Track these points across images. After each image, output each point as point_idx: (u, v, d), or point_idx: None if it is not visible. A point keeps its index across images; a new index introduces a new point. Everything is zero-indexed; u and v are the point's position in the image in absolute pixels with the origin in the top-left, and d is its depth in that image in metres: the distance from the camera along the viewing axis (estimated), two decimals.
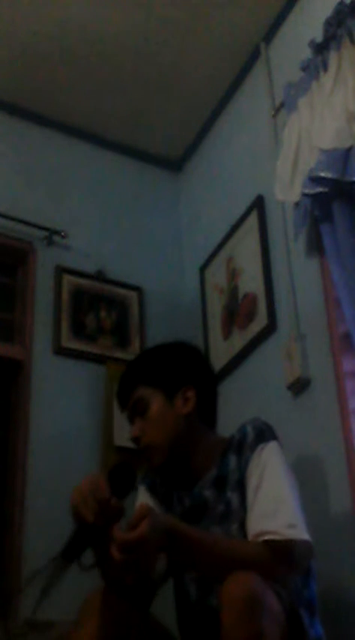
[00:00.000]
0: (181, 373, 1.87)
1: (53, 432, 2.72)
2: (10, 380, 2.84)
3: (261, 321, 2.70)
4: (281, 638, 1.41)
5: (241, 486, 1.69)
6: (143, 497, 1.88)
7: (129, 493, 1.61)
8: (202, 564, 1.55)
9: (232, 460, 1.73)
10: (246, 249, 2.89)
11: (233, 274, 2.94)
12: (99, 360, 2.92)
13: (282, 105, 2.68)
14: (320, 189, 2.27)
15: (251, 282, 2.81)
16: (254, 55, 3.05)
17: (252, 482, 1.67)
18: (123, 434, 2.44)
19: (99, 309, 3.05)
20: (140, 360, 1.96)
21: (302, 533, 1.58)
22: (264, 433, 1.73)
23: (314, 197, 2.30)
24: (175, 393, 1.83)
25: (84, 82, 3.17)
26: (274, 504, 1.61)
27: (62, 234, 3.06)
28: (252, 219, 2.87)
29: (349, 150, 2.19)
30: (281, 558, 1.54)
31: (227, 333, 2.90)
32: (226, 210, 3.08)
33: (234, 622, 1.37)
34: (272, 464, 1.68)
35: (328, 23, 2.39)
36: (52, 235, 3.05)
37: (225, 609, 1.39)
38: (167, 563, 1.81)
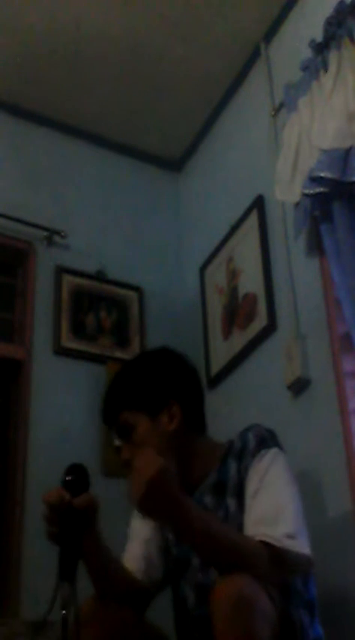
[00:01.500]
0: (162, 390, 1.82)
1: (53, 432, 2.72)
2: (10, 380, 2.84)
3: (261, 321, 2.70)
4: (273, 639, 1.41)
5: (240, 491, 1.68)
6: (136, 524, 1.88)
7: (87, 488, 1.60)
8: (200, 542, 1.53)
9: (232, 467, 1.72)
10: (246, 249, 2.89)
11: (233, 274, 2.94)
12: (99, 360, 2.92)
13: (282, 105, 2.68)
14: (320, 189, 2.26)
15: (251, 282, 2.81)
16: (254, 55, 3.04)
17: (250, 486, 1.65)
18: None
19: (99, 309, 3.05)
20: (119, 384, 1.89)
21: (300, 546, 1.55)
22: (266, 440, 1.71)
23: (314, 197, 2.30)
24: (159, 412, 1.79)
25: (84, 82, 3.17)
26: (273, 511, 1.59)
27: (62, 234, 3.06)
28: (252, 219, 2.87)
29: (349, 150, 2.19)
30: (275, 563, 1.52)
31: (227, 333, 2.90)
32: (226, 210, 3.08)
33: (225, 623, 1.37)
34: (273, 471, 1.65)
35: (328, 23, 2.39)
36: (52, 235, 3.05)
37: (216, 611, 1.39)
38: (164, 570, 1.82)
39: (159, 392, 1.82)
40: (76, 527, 1.53)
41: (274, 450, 1.70)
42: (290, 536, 1.55)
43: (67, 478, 1.59)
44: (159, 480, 1.49)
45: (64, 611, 1.39)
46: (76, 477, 1.60)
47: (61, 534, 1.52)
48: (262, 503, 1.62)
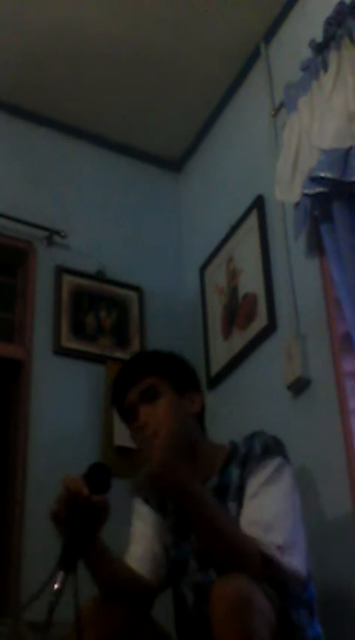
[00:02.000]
0: (191, 377, 1.90)
1: (53, 432, 2.72)
2: (10, 380, 2.84)
3: (261, 321, 2.70)
4: (271, 638, 1.41)
5: (241, 496, 1.68)
6: (139, 509, 1.89)
7: (107, 490, 1.60)
8: (202, 525, 1.55)
9: (235, 472, 1.72)
10: (246, 249, 2.89)
11: (233, 274, 2.94)
12: (99, 360, 2.92)
13: (282, 105, 2.68)
14: (320, 190, 2.26)
15: (251, 282, 2.81)
16: (254, 55, 3.04)
17: (249, 490, 1.66)
18: (123, 434, 2.43)
19: (99, 309, 3.05)
20: (153, 353, 1.96)
21: (289, 561, 1.54)
22: (271, 448, 1.72)
23: (314, 197, 2.30)
24: (185, 392, 1.83)
25: (84, 82, 3.17)
26: (267, 518, 1.59)
27: (62, 234, 3.06)
28: (252, 219, 2.87)
29: (349, 150, 2.19)
30: (264, 568, 1.53)
31: (227, 333, 2.90)
32: (226, 210, 3.07)
33: (224, 623, 1.38)
34: (274, 479, 1.66)
35: (328, 23, 2.39)
36: (52, 235, 3.05)
37: (214, 611, 1.40)
38: (167, 568, 1.82)
39: (189, 375, 1.90)
40: (86, 522, 1.54)
41: (279, 460, 1.70)
42: (280, 548, 1.54)
43: (90, 473, 1.60)
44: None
45: (52, 599, 1.40)
46: (101, 476, 1.60)
47: (69, 523, 1.53)
48: (257, 508, 1.62)
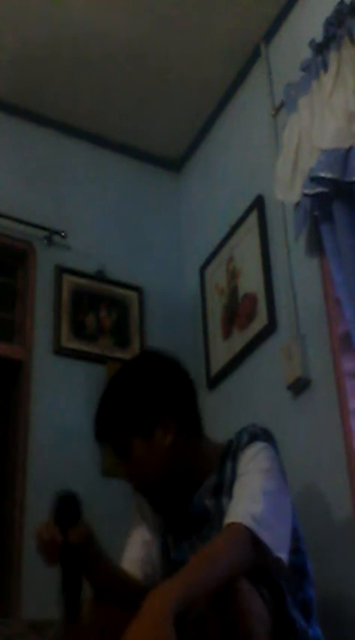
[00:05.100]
0: (152, 409, 1.76)
1: (53, 432, 2.72)
2: (10, 380, 2.84)
3: (261, 321, 2.70)
4: (269, 638, 1.41)
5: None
6: (136, 526, 1.89)
7: (79, 518, 1.62)
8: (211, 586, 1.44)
9: (228, 467, 1.72)
10: (246, 249, 2.89)
11: (233, 274, 2.94)
12: (99, 360, 2.92)
13: (282, 105, 2.68)
14: (320, 190, 2.26)
15: (251, 282, 2.81)
16: (254, 55, 3.05)
17: (238, 473, 1.67)
18: None
19: (99, 309, 3.05)
20: (107, 412, 1.82)
21: (265, 535, 1.50)
22: (258, 435, 1.72)
23: (314, 197, 2.30)
24: (153, 430, 1.75)
25: (84, 82, 3.17)
26: (249, 492, 1.59)
27: (62, 234, 3.06)
28: (252, 219, 2.87)
29: (349, 150, 2.20)
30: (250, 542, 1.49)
31: (227, 333, 2.90)
32: (226, 210, 3.08)
33: (221, 628, 1.37)
34: (257, 460, 1.66)
35: (328, 23, 2.39)
36: (52, 235, 3.05)
37: (211, 614, 1.39)
38: (164, 572, 1.82)
39: (149, 412, 1.76)
40: (73, 561, 1.57)
41: (263, 444, 1.70)
42: (256, 520, 1.50)
43: (59, 511, 1.61)
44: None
45: None
46: (67, 509, 1.62)
47: (62, 570, 1.56)
48: (241, 485, 1.62)
